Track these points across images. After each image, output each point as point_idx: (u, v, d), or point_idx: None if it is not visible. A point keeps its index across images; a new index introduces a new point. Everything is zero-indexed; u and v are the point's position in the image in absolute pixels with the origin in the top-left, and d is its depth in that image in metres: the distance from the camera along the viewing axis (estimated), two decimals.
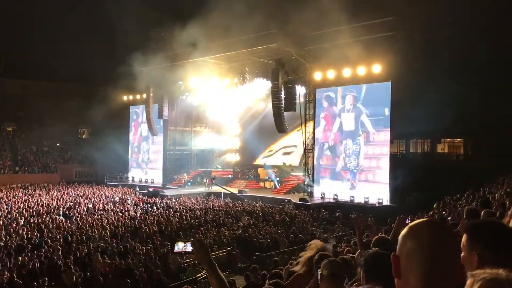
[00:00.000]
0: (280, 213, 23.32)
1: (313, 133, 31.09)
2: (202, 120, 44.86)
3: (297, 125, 33.02)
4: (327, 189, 28.82)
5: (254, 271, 9.84)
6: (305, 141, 31.47)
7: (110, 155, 42.15)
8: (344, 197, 27.62)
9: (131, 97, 44.78)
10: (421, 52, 27.25)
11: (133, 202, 27.75)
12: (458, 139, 35.00)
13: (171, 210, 23.65)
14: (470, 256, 1.73)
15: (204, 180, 36.44)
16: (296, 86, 29.82)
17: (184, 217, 20.81)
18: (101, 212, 22.77)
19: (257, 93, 36.87)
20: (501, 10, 25.82)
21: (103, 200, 28.19)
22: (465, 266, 1.77)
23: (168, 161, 42.34)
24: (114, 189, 35.97)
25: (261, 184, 37.42)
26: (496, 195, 11.34)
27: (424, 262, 1.55)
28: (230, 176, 39.80)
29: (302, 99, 31.97)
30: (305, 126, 31.60)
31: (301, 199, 28.13)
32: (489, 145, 28.20)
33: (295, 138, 35.61)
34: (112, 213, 22.16)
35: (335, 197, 27.83)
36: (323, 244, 4.39)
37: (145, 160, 43.85)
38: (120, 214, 22.06)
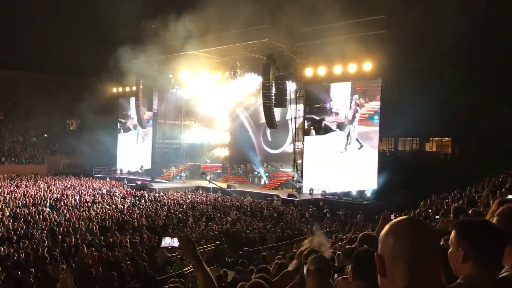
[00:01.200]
0: (269, 208, 23.38)
1: (303, 129, 31.17)
2: (192, 114, 44.65)
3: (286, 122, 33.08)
4: (315, 184, 28.92)
5: (243, 265, 9.87)
6: (295, 138, 31.55)
7: (98, 147, 41.80)
8: (333, 192, 27.67)
9: (120, 89, 44.43)
10: (412, 51, 27.47)
11: (121, 195, 27.61)
12: (446, 138, 35.36)
13: (159, 203, 23.57)
14: (457, 252, 1.77)
15: (207, 177, 35.41)
16: (287, 82, 29.83)
17: (172, 211, 20.77)
18: (89, 204, 22.62)
19: (247, 88, 36.81)
20: (491, 13, 26.07)
21: (90, 192, 28.00)
22: (451, 261, 1.81)
23: (156, 155, 42.17)
24: (102, 181, 35.73)
25: (250, 179, 37.46)
26: (482, 194, 11.50)
27: (407, 260, 1.56)
28: (219, 171, 39.76)
29: (292, 95, 32.05)
30: (295, 123, 31.67)
31: (289, 195, 28.23)
32: (476, 145, 28.53)
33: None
34: (99, 206, 22.02)
35: (323, 193, 27.89)
36: (319, 239, 4.42)
37: (134, 153, 43.62)
38: (108, 206, 21.93)
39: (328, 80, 29.78)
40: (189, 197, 27.59)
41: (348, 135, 28.70)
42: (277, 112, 31.10)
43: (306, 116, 30.80)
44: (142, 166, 41.79)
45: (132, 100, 41.68)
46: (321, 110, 30.20)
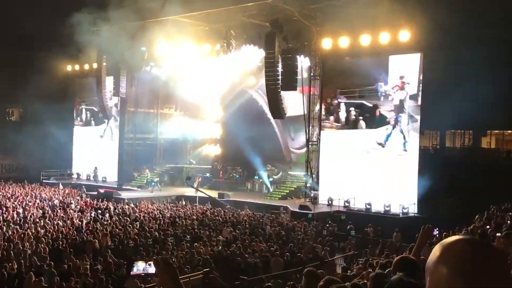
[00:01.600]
0: (273, 224, 23.41)
1: (319, 119, 31.16)
2: (172, 99, 44.78)
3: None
4: (335, 193, 29.04)
5: None
6: (309, 131, 31.58)
7: (48, 144, 41.88)
8: (357, 204, 27.87)
9: (77, 67, 44.49)
10: (464, 16, 27.27)
11: (79, 207, 27.67)
12: (509, 131, 35.35)
13: (128, 218, 23.62)
14: None
15: (194, 183, 35.30)
16: (297, 56, 29.81)
17: (146, 228, 20.80)
18: (36, 220, 22.65)
19: (245, 65, 36.77)
20: None
21: (38, 203, 28.04)
22: None
23: (125, 153, 42.34)
24: (53, 189, 35.81)
25: (249, 185, 37.53)
26: None
27: None
28: (208, 175, 39.86)
29: (305, 74, 32.00)
30: (309, 111, 31.71)
31: (301, 207, 28.28)
32: None
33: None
34: (50, 222, 22.06)
35: (346, 204, 28.03)
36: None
37: (95, 151, 43.71)
38: (61, 223, 21.99)
39: (351, 55, 29.79)
40: (169, 209, 27.62)
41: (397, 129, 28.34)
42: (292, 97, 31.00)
43: (351, 102, 30.29)
44: (96, 168, 41.83)
45: (93, 81, 41.76)
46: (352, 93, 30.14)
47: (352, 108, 30.15)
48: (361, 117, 29.75)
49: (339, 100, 30.66)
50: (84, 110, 45.67)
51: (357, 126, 29.93)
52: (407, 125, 27.81)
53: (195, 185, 34.01)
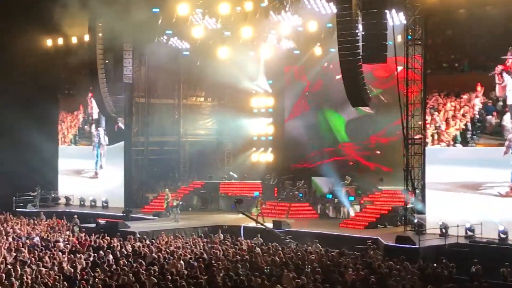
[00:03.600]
0: (357, 267, 23.07)
1: (423, 107, 30.72)
2: (200, 84, 45.07)
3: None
4: (452, 217, 28.57)
5: None
6: (407, 123, 31.14)
7: (23, 158, 42.67)
8: (486, 232, 27.50)
9: (60, 41, 45.09)
10: None
11: (69, 246, 27.90)
12: None
13: (142, 261, 23.66)
14: None
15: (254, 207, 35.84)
16: (386, 11, 29.43)
17: (168, 276, 20.78)
18: (8, 266, 22.91)
19: (308, 29, 36.56)
20: None
21: (11, 243, 28.41)
22: None
23: (134, 166, 42.67)
24: (32, 220, 36.31)
25: (318, 208, 37.40)
26: None
27: None
28: (256, 194, 39.83)
29: (399, 38, 31.52)
30: (406, 94, 31.27)
31: (399, 239, 27.98)
32: None
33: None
34: (28, 268, 22.28)
35: (469, 233, 27.59)
36: None
37: (92, 165, 44.29)
38: (44, 270, 22.19)
39: (471, 4, 29.24)
40: (201, 246, 27.62)
41: None
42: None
43: None
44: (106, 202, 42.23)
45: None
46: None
47: None
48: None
49: None
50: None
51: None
52: None
53: (245, 212, 33.95)
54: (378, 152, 39.28)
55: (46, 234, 31.30)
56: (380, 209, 34.32)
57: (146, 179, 43.35)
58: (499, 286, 21.35)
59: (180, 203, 38.63)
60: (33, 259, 24.65)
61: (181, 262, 23.62)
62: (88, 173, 45.00)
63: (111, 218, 36.49)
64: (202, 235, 32.49)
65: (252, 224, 33.65)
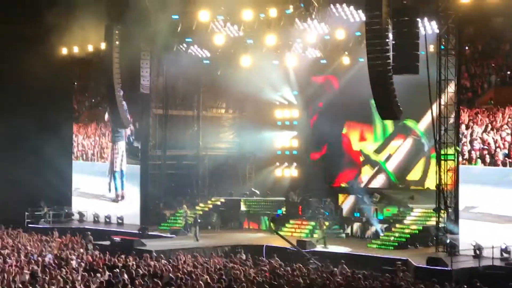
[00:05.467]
0: None
1: (457, 121, 30.64)
2: (221, 94, 45.10)
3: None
4: (486, 237, 28.43)
5: None
6: (439, 137, 31.03)
7: (35, 172, 42.86)
8: None
9: (76, 50, 45.25)
10: None
11: (83, 264, 28.02)
12: None
13: (159, 281, 23.73)
14: None
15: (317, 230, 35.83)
16: (419, 20, 29.41)
17: None
18: (19, 285, 23.07)
19: (335, 37, 36.58)
20: None
21: (22, 261, 28.58)
22: None
23: (151, 181, 42.75)
24: (43, 238, 36.46)
25: (345, 227, 37.38)
26: None
27: None
28: (280, 211, 39.85)
29: (432, 48, 31.47)
30: (438, 104, 31.21)
31: (431, 260, 27.83)
32: None
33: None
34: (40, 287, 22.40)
35: (505, 255, 27.47)
36: None
37: (104, 180, 44.45)
38: None
39: (504, 13, 29.14)
40: (221, 266, 27.61)
41: None
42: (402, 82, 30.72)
43: None
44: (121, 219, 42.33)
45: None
46: None
47: None
48: None
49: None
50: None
51: None
52: None
53: (320, 234, 33.92)
54: None
55: (59, 252, 31.40)
56: (409, 229, 34.16)
57: (163, 195, 43.30)
58: None
59: (199, 220, 38.56)
60: (45, 278, 24.81)
61: (200, 283, 23.65)
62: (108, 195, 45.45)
63: (127, 235, 36.54)
64: (222, 254, 32.47)
65: (275, 243, 33.66)
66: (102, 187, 45.08)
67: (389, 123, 37.57)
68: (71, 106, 47.51)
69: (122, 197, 44.25)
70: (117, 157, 44.53)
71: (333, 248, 32.65)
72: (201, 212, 40.79)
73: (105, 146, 45.53)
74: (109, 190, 44.84)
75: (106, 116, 44.63)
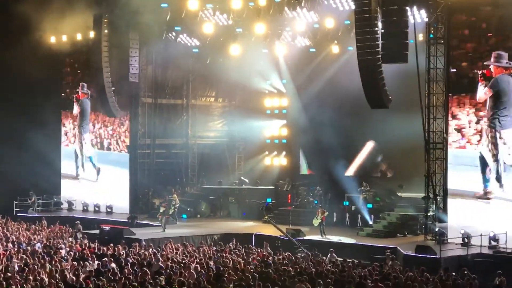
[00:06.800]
0: (375, 277, 23.11)
1: (446, 109, 30.80)
2: (210, 83, 45.12)
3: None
4: (475, 226, 28.60)
5: None
6: (428, 126, 31.18)
7: (24, 160, 42.83)
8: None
9: (64, 38, 45.12)
10: None
11: (72, 253, 28.06)
12: None
13: (148, 270, 23.76)
14: None
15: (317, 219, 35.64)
16: (408, 9, 29.47)
17: (175, 286, 20.85)
18: (7, 274, 23.07)
19: (324, 25, 36.66)
20: None
21: (10, 249, 28.60)
22: None
23: (140, 170, 42.84)
24: (32, 226, 36.59)
25: (335, 216, 37.55)
26: None
27: None
28: (269, 200, 39.91)
29: (421, 37, 31.65)
30: (427, 95, 31.34)
31: (419, 248, 28.03)
32: None
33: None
34: (29, 276, 22.43)
35: (493, 243, 27.66)
36: None
37: (94, 169, 44.44)
38: (46, 278, 22.35)
39: (492, 3, 29.34)
40: (210, 255, 27.73)
41: None
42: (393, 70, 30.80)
43: None
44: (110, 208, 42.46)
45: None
46: None
47: None
48: None
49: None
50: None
51: None
52: None
53: (315, 222, 34.03)
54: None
55: (48, 241, 31.43)
56: (399, 217, 34.48)
57: (152, 184, 43.43)
58: None
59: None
60: (34, 266, 24.83)
61: (189, 271, 23.74)
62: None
63: (116, 224, 36.57)
64: (212, 243, 32.59)
65: (265, 232, 33.84)
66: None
67: None
68: (59, 95, 47.36)
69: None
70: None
71: (320, 236, 32.84)
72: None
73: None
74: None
75: (76, 108, 44.61)
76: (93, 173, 44.85)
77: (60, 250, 28.64)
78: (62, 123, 47.17)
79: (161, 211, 36.64)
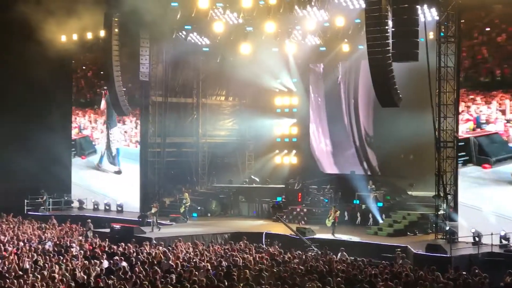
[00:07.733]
0: (385, 276, 23.07)
1: (456, 108, 30.74)
2: (221, 82, 45.10)
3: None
4: (485, 225, 28.54)
5: None
6: (439, 125, 31.12)
7: (35, 159, 42.91)
8: None
9: (75, 37, 45.26)
10: None
11: (83, 252, 28.13)
12: None
13: (158, 269, 23.77)
14: None
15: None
16: (418, 7, 29.42)
17: (186, 284, 20.86)
18: (18, 272, 23.13)
19: (334, 24, 36.68)
20: None
21: (21, 248, 28.68)
22: None
23: (150, 169, 42.93)
24: (43, 225, 36.71)
25: (346, 214, 37.48)
26: None
27: None
28: (279, 198, 39.91)
29: (431, 35, 31.66)
30: (438, 94, 31.32)
31: (430, 247, 28.02)
32: None
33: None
34: (39, 275, 22.47)
35: (504, 242, 27.60)
36: None
37: (106, 167, 44.52)
38: (57, 277, 22.39)
39: (503, 1, 29.27)
40: (221, 254, 27.76)
41: None
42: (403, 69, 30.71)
43: None
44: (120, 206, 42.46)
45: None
46: None
47: None
48: None
49: None
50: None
51: None
52: None
53: (327, 223, 33.95)
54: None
55: (59, 240, 31.52)
56: (409, 216, 34.36)
57: (163, 182, 43.45)
58: None
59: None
60: (45, 265, 24.88)
61: (200, 270, 23.75)
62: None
63: (127, 223, 36.69)
64: (222, 241, 32.63)
65: (275, 230, 33.88)
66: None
67: None
68: (69, 93, 47.44)
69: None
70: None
71: (330, 234, 32.84)
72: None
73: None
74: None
75: (103, 103, 44.79)
76: (114, 169, 45.14)
77: (71, 249, 28.74)
78: (74, 119, 47.22)
79: (152, 211, 36.63)
